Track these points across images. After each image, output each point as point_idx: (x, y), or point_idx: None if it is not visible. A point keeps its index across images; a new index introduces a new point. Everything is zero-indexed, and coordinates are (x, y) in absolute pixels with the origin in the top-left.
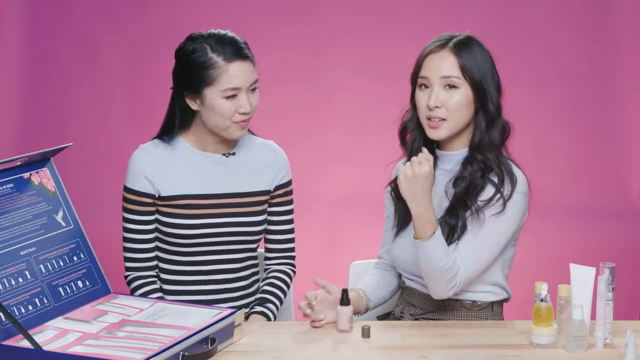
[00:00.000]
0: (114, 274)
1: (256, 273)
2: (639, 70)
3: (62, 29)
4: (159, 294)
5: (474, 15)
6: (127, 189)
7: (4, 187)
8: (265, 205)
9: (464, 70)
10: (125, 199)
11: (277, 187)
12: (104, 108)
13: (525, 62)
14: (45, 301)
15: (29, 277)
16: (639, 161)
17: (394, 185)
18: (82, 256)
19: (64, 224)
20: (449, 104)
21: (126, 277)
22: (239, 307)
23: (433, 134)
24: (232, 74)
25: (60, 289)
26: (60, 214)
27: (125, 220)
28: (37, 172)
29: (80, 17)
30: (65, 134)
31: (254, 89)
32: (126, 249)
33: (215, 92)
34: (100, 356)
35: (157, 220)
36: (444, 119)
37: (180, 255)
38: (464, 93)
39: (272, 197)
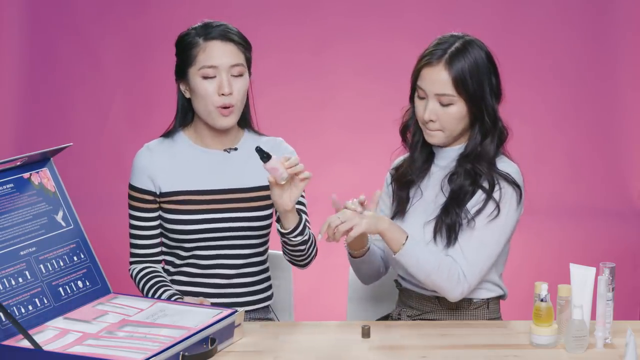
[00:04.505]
0: (114, 274)
1: (265, 271)
2: (639, 70)
3: (62, 29)
4: (158, 277)
5: (474, 16)
6: (130, 186)
7: (4, 187)
8: (269, 201)
9: (458, 86)
10: (129, 196)
11: None
12: (104, 108)
13: (525, 62)
14: (45, 301)
15: (29, 277)
16: (639, 161)
17: (394, 178)
18: (82, 256)
19: (64, 224)
20: (443, 119)
21: (129, 270)
22: (241, 305)
23: (430, 140)
24: (209, 51)
25: (60, 289)
26: (60, 214)
27: (130, 216)
28: (37, 172)
29: (81, 17)
30: (65, 134)
31: (238, 75)
32: (131, 245)
33: (194, 71)
34: (100, 356)
35: (160, 217)
36: (440, 129)
37: (182, 251)
38: (458, 108)
39: None
